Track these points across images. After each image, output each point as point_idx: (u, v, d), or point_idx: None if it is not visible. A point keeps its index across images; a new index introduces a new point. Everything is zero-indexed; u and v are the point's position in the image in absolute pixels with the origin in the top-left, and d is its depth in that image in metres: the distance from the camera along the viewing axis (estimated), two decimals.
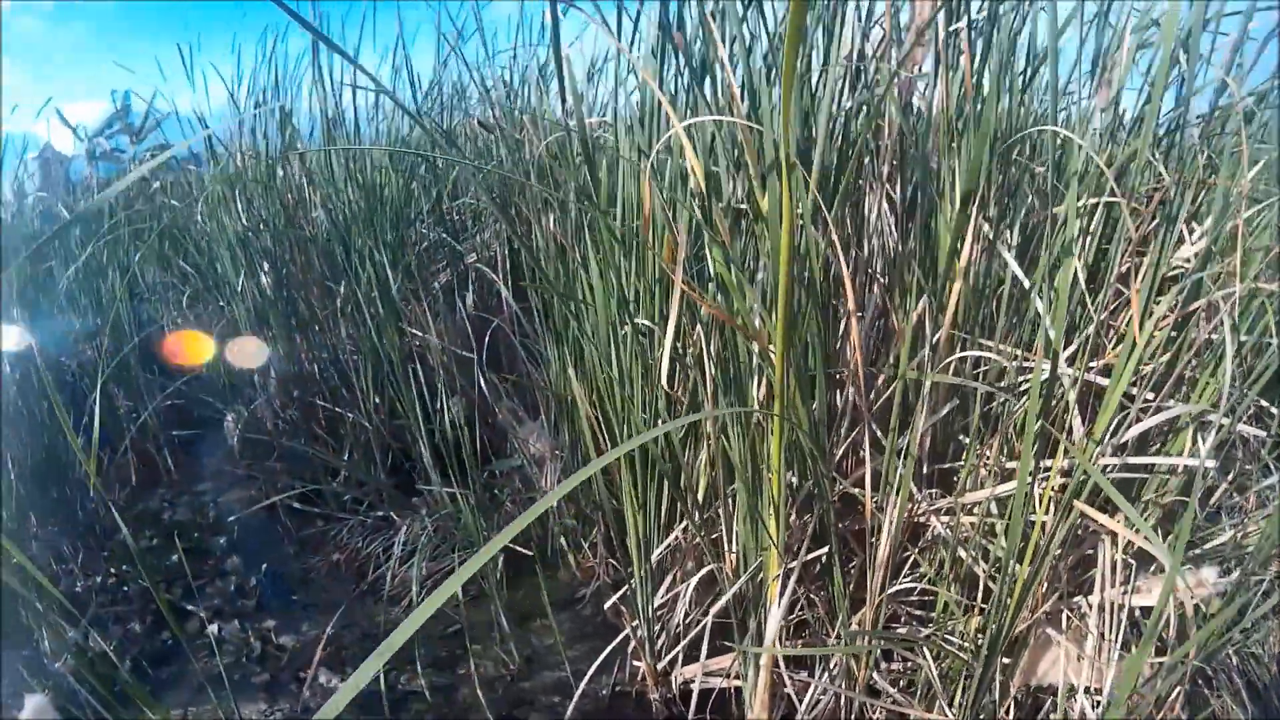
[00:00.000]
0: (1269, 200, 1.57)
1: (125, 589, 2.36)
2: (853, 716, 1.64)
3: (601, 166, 1.74)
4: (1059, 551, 1.43)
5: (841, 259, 1.37)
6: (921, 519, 1.66)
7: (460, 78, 3.05)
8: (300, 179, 2.81)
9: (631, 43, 1.66)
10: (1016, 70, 1.63)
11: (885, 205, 1.69)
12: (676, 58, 1.57)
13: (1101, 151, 1.62)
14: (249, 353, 2.90)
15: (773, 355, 1.35)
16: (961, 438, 1.71)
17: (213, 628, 2.17)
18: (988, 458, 1.60)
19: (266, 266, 2.81)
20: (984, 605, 1.54)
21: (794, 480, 1.62)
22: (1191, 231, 1.58)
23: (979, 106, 1.49)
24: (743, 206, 1.49)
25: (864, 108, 1.61)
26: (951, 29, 1.54)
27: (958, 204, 1.51)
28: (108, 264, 3.31)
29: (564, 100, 1.60)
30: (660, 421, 1.71)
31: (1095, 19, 1.65)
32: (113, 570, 2.43)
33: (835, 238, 1.43)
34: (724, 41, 1.46)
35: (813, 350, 1.47)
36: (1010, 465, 1.58)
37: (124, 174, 4.04)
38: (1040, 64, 1.71)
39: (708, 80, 1.54)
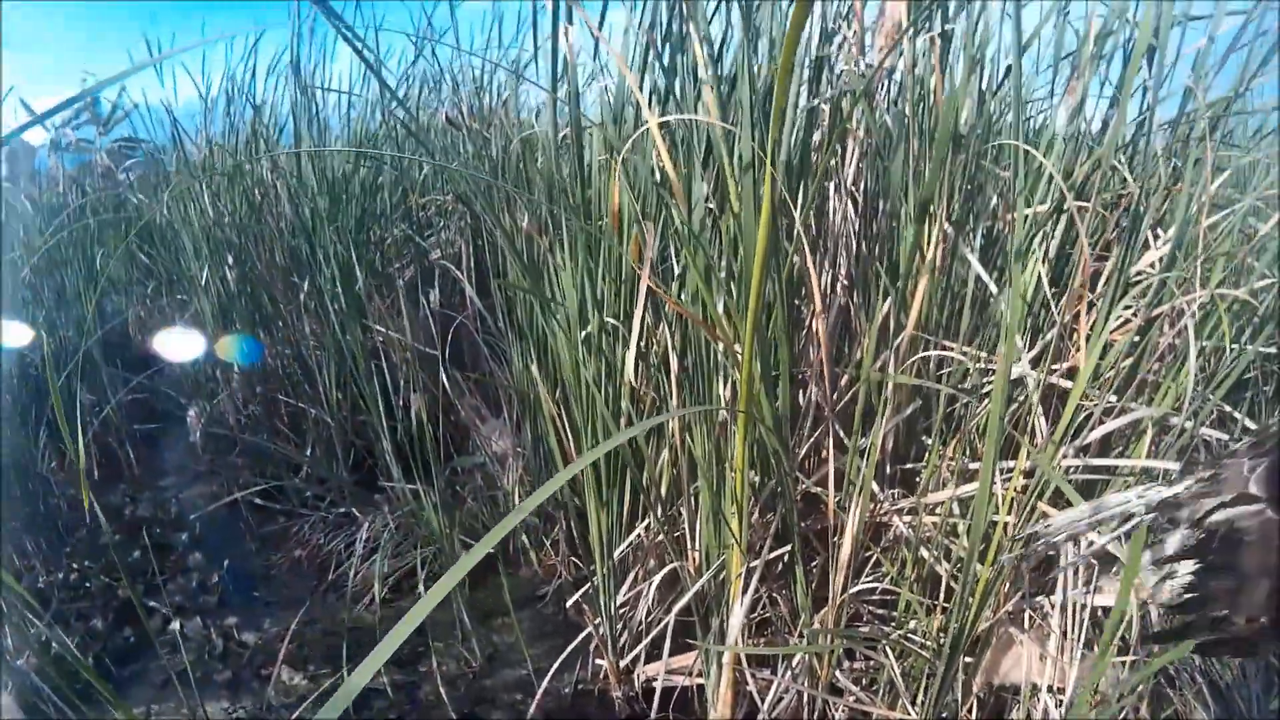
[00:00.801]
0: (1232, 207, 1.58)
1: (87, 585, 2.34)
2: (815, 715, 1.64)
3: (570, 164, 1.73)
4: (1021, 551, 1.44)
5: (809, 257, 1.38)
6: (884, 519, 1.67)
7: (431, 73, 3.05)
8: (267, 174, 2.80)
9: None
10: (984, 74, 1.64)
11: (850, 207, 1.69)
12: (649, 54, 1.58)
13: (1063, 158, 1.63)
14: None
15: (738, 353, 1.35)
16: (924, 438, 1.72)
17: (175, 624, 2.15)
18: (950, 458, 1.61)
19: (231, 260, 2.80)
20: (946, 604, 1.54)
21: (756, 479, 1.62)
22: (1156, 238, 1.59)
23: (945, 110, 1.50)
24: (710, 205, 1.50)
25: (833, 107, 1.62)
26: (925, 34, 1.56)
27: (916, 206, 1.52)
28: (72, 257, 3.28)
29: (555, 73, 1.60)
30: (623, 418, 1.71)
31: (1058, 19, 1.66)
32: (74, 567, 2.41)
33: (803, 237, 1.43)
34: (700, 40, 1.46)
35: (778, 349, 1.47)
36: (973, 466, 1.59)
37: (90, 165, 4.02)
38: (1006, 75, 1.72)
39: (677, 79, 1.55)
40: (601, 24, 1.65)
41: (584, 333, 1.68)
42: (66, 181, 4.00)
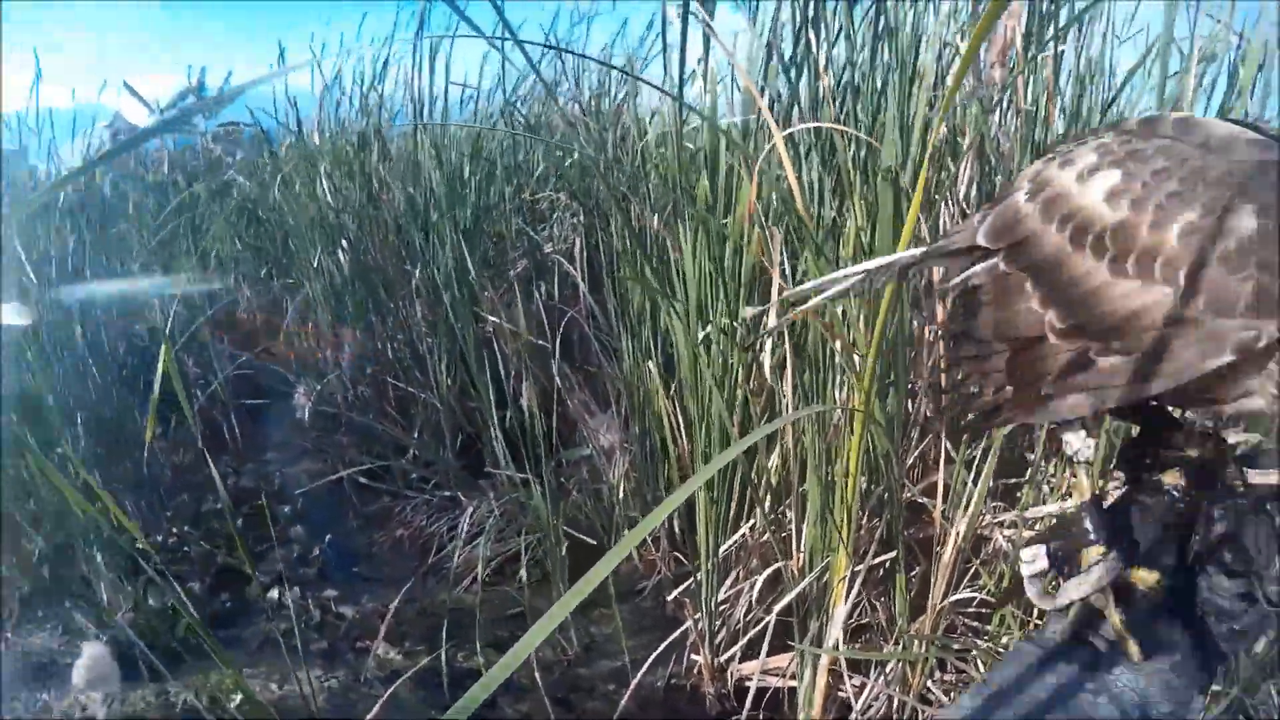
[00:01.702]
0: None
1: (186, 549, 2.41)
2: None
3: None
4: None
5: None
6: (984, 530, 1.68)
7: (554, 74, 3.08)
8: (382, 162, 2.86)
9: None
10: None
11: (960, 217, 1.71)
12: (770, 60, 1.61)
13: None
14: None
15: (857, 358, 1.37)
16: (1027, 455, 1.73)
17: (273, 593, 2.21)
18: (1053, 474, 1.62)
19: (345, 245, 2.86)
20: (1039, 621, 1.55)
21: (864, 484, 1.64)
22: None
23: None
24: (834, 215, 1.52)
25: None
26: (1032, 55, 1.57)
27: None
28: (181, 235, 3.38)
29: (681, 77, 1.63)
30: (738, 415, 1.74)
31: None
32: (174, 531, 2.47)
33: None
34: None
35: (896, 357, 1.50)
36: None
37: (194, 146, 4.12)
38: (1118, 93, 1.73)
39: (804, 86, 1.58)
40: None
41: (703, 333, 1.71)
42: (171, 162, 4.11)
